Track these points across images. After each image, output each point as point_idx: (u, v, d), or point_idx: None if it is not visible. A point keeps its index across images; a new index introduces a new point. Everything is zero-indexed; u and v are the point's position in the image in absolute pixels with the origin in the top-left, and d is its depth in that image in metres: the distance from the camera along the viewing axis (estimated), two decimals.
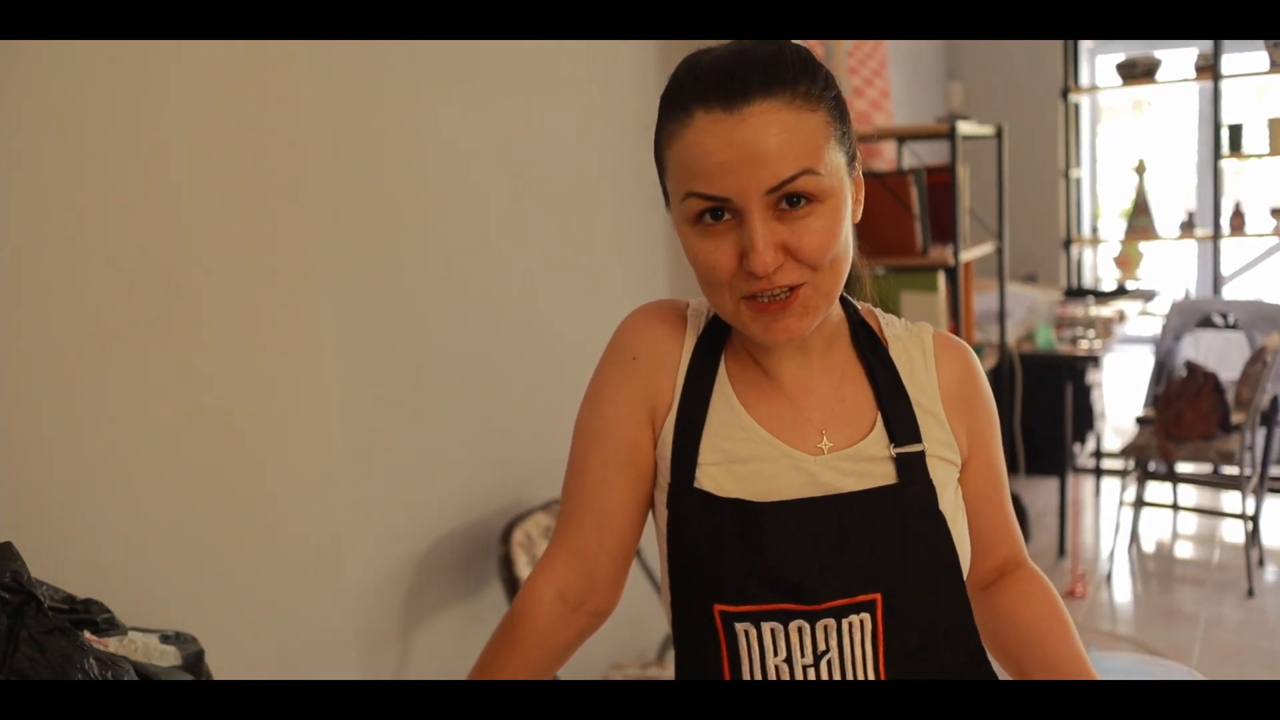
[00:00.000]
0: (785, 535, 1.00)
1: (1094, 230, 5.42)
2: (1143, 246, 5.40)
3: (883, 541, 1.00)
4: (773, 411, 1.05)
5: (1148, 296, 5.04)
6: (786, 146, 0.93)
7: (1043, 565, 4.33)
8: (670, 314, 1.12)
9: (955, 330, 3.25)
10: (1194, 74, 5.14)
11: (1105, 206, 7.24)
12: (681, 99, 0.98)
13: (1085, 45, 5.24)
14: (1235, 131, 4.90)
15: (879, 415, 1.05)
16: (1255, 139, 4.96)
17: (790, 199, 0.94)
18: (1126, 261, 5.49)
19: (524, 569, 2.26)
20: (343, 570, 2.03)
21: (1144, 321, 5.15)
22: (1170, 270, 7.05)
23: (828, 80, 1.00)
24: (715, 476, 1.03)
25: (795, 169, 0.93)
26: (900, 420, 1.05)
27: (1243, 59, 5.41)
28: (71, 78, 1.52)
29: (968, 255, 3.41)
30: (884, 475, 1.03)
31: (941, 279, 3.30)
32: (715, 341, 1.09)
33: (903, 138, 3.67)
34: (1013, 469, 3.84)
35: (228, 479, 1.79)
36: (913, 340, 1.11)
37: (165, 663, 1.31)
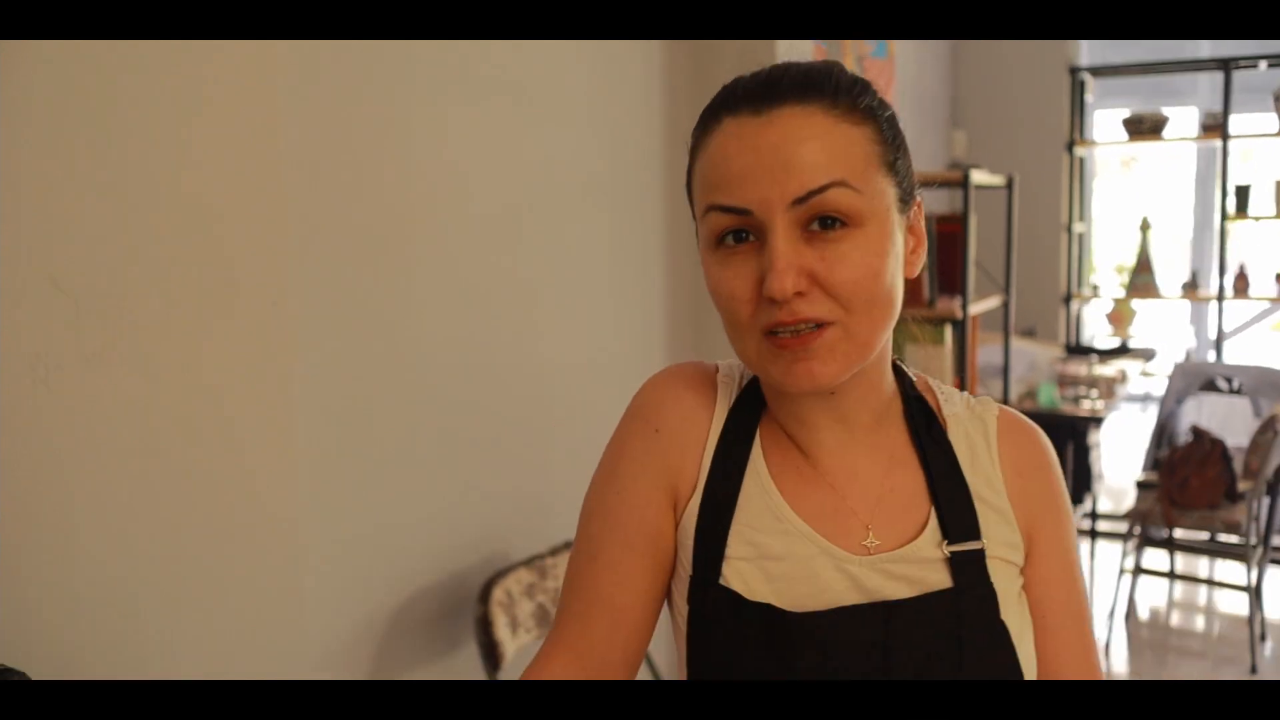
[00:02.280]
0: (821, 651, 0.86)
1: (1094, 287, 5.30)
2: (1140, 304, 5.30)
3: (933, 658, 0.86)
4: (813, 500, 0.92)
5: (1147, 356, 4.94)
6: (818, 153, 0.81)
7: None
8: (698, 380, 0.99)
9: (960, 385, 3.15)
10: (1200, 132, 5.06)
11: (1099, 262, 7.18)
12: (712, 110, 0.88)
13: (1089, 98, 5.16)
14: (1242, 192, 4.82)
15: (932, 508, 0.91)
16: (1261, 201, 4.87)
17: (824, 221, 0.82)
18: (1119, 318, 5.39)
19: (504, 632, 2.09)
20: (304, 628, 1.85)
21: (1140, 380, 5.04)
22: (1163, 329, 6.98)
23: (882, 102, 0.88)
24: (744, 574, 0.90)
25: (826, 179, 0.81)
26: (957, 514, 0.91)
27: (1251, 119, 5.35)
28: (10, 78, 1.35)
29: (975, 308, 3.30)
30: (937, 581, 0.89)
31: (948, 332, 3.18)
32: (749, 414, 0.96)
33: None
34: None
35: (179, 526, 1.61)
36: (974, 421, 0.96)
37: None
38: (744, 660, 0.88)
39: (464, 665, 2.20)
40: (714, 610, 0.90)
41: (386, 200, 1.97)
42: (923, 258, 0.93)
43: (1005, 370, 3.63)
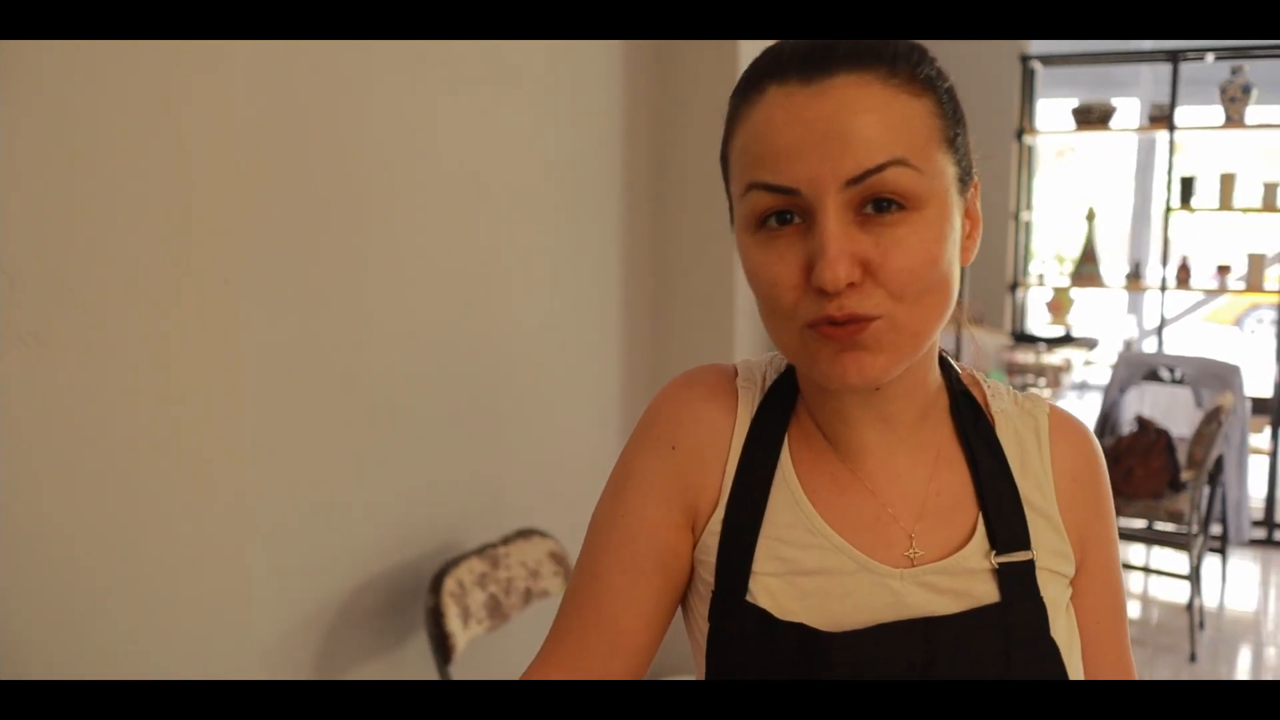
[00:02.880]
0: (857, 672, 0.79)
1: (1039, 276, 5.33)
2: (1080, 293, 5.35)
3: (976, 677, 0.80)
4: (849, 508, 0.85)
5: (1090, 345, 4.98)
6: (876, 127, 0.73)
7: None
8: (717, 387, 0.90)
9: None
10: (1146, 122, 5.09)
11: (1040, 250, 7.24)
12: (753, 78, 0.78)
13: (1039, 86, 5.17)
14: (1187, 184, 4.86)
15: (979, 514, 0.84)
16: (1205, 193, 4.92)
17: (879, 203, 0.74)
18: (1058, 307, 5.42)
19: (455, 623, 2.02)
20: (248, 617, 1.77)
21: (1080, 369, 5.08)
22: (1101, 318, 7.07)
23: (940, 71, 0.80)
24: (774, 591, 0.83)
25: (886, 157, 0.73)
26: (1006, 521, 0.84)
27: (1195, 111, 5.39)
28: None
29: None
30: (984, 594, 0.82)
31: None
32: (776, 417, 0.88)
33: None
34: None
35: (120, 510, 1.52)
36: (1025, 419, 0.89)
37: None
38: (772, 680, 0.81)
39: (414, 656, 2.13)
40: (739, 629, 0.83)
41: (342, 183, 1.88)
42: (978, 242, 0.84)
43: (956, 358, 3.62)
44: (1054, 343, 4.89)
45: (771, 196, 0.75)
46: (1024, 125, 5.07)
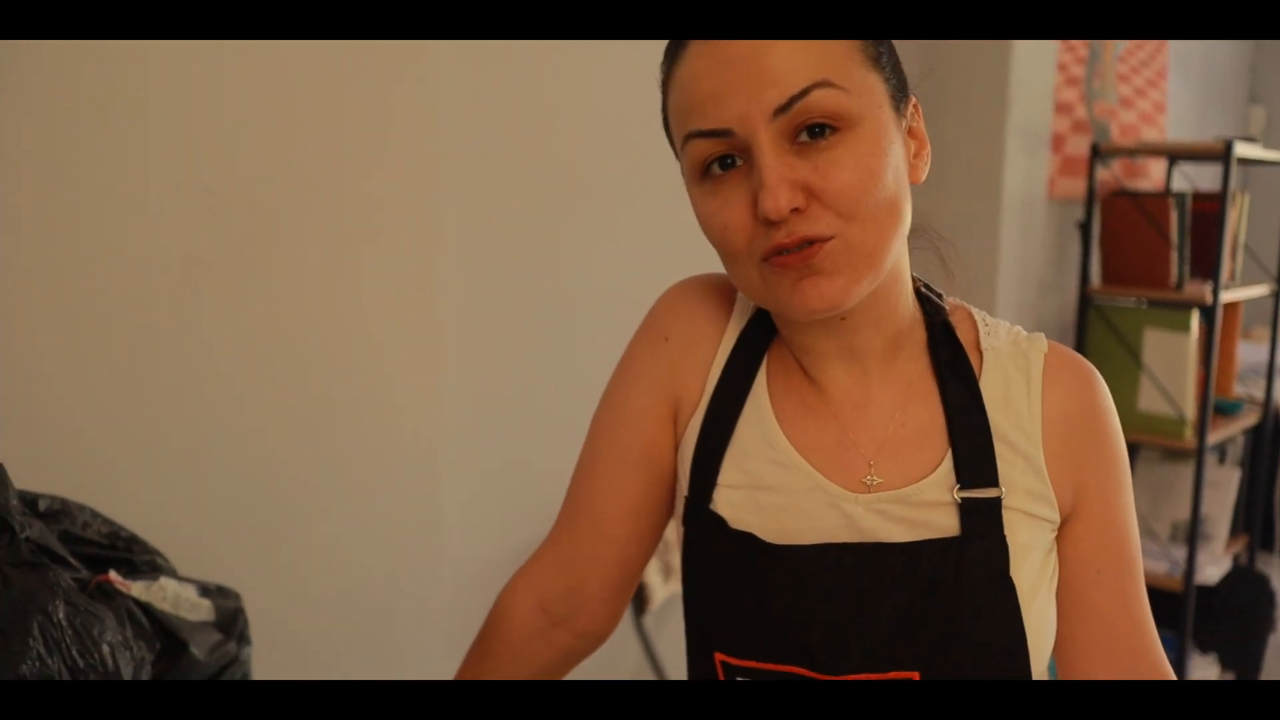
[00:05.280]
0: (798, 587, 0.82)
1: None
2: None
3: (926, 609, 0.80)
4: (813, 431, 0.86)
5: None
6: (794, 56, 0.74)
7: None
8: (717, 292, 0.93)
9: (1204, 381, 2.84)
10: None
11: None
12: (677, 40, 0.81)
13: None
14: None
15: (949, 450, 0.83)
16: None
17: (812, 130, 0.75)
18: None
19: (655, 576, 2.09)
20: (442, 556, 1.84)
21: None
22: None
23: None
24: (734, 502, 0.86)
25: (807, 81, 0.74)
26: (973, 456, 0.83)
27: None
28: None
29: (1231, 295, 2.95)
30: (944, 526, 0.82)
31: (1195, 318, 2.84)
32: (761, 334, 0.90)
33: (1173, 157, 3.23)
34: (1267, 547, 3.54)
35: (320, 433, 1.63)
36: (1017, 358, 0.87)
37: (195, 616, 1.24)
38: (723, 587, 0.85)
39: None
40: (701, 535, 0.86)
41: (564, 159, 1.95)
42: (927, 161, 0.84)
43: (1270, 369, 3.30)
44: None
45: (708, 142, 0.76)
46: None
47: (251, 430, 1.53)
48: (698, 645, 0.88)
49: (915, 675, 0.79)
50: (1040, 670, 0.83)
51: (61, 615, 1.04)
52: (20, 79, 1.26)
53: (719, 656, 0.85)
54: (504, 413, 1.89)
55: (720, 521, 0.85)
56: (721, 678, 0.85)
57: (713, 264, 0.89)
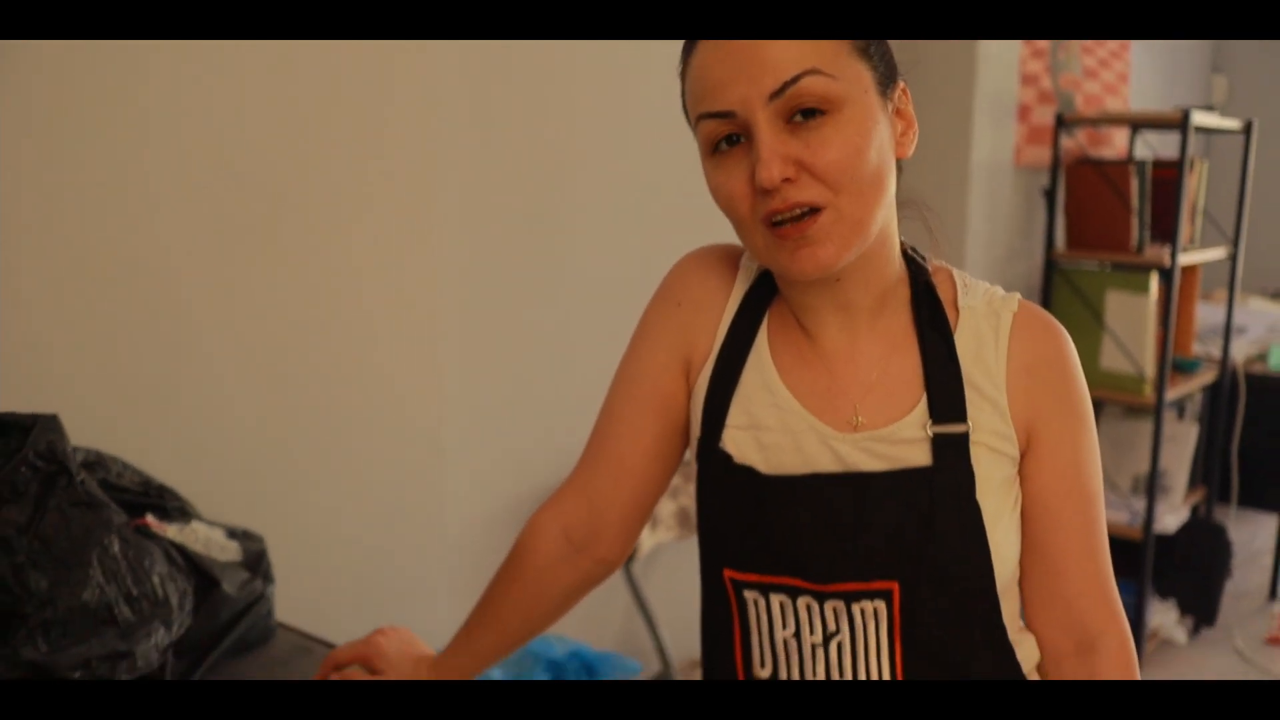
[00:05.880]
0: (791, 512, 0.95)
1: None
2: None
3: (903, 528, 0.92)
4: (807, 379, 0.98)
5: None
6: (789, 48, 0.86)
7: (1249, 607, 3.85)
8: (723, 260, 1.06)
9: (1163, 340, 2.99)
10: None
11: None
12: (689, 40, 0.94)
13: None
14: None
15: (925, 395, 0.95)
16: None
17: (805, 112, 0.86)
18: None
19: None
20: (443, 504, 1.97)
21: None
22: None
23: None
24: (739, 441, 0.98)
25: (799, 69, 0.85)
26: (945, 397, 0.94)
27: None
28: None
29: (1189, 258, 3.08)
30: (917, 459, 0.94)
31: (1154, 281, 2.99)
32: (763, 295, 1.03)
33: (1135, 125, 3.36)
34: (1224, 499, 3.60)
35: (340, 393, 1.77)
36: (989, 316, 0.97)
37: (225, 557, 1.36)
38: (730, 513, 0.98)
39: None
40: (712, 470, 0.99)
41: (553, 142, 2.05)
42: (914, 139, 0.95)
43: (1227, 329, 3.40)
44: None
45: (716, 122, 0.88)
46: None
47: (264, 400, 1.66)
48: (709, 563, 1.00)
49: (894, 585, 0.92)
50: (1004, 585, 0.95)
51: (116, 549, 1.16)
52: (20, 79, 1.34)
53: (727, 572, 0.98)
54: (504, 356, 2.02)
55: (727, 457, 0.97)
56: (731, 592, 0.98)
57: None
